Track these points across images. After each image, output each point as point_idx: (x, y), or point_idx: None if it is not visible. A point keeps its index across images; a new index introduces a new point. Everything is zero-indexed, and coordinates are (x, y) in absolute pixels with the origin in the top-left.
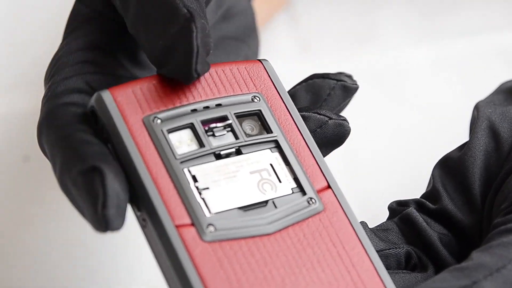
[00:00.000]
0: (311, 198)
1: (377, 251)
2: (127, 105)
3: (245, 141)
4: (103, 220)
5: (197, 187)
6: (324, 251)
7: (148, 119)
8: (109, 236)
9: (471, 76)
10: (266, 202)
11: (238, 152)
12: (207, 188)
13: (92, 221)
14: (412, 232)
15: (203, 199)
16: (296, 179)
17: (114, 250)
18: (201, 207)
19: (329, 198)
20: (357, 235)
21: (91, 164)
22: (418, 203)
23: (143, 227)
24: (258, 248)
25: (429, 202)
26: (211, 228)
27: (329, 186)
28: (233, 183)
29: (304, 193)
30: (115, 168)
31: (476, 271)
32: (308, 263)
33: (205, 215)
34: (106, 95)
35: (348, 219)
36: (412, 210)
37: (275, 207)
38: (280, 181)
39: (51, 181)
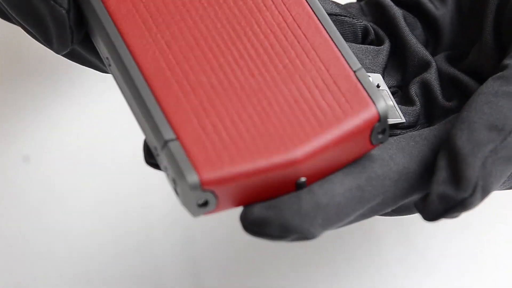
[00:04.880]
0: None
1: (332, 15)
2: None
3: None
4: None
5: None
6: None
7: None
8: (110, 236)
9: None
10: None
11: None
12: None
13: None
14: (376, 10)
15: None
16: None
17: (114, 249)
18: None
19: None
20: None
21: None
22: None
23: (108, 65)
24: None
25: None
26: None
27: None
28: None
29: None
30: None
31: None
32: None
33: None
34: None
35: None
36: None
37: None
38: None
39: (51, 181)
